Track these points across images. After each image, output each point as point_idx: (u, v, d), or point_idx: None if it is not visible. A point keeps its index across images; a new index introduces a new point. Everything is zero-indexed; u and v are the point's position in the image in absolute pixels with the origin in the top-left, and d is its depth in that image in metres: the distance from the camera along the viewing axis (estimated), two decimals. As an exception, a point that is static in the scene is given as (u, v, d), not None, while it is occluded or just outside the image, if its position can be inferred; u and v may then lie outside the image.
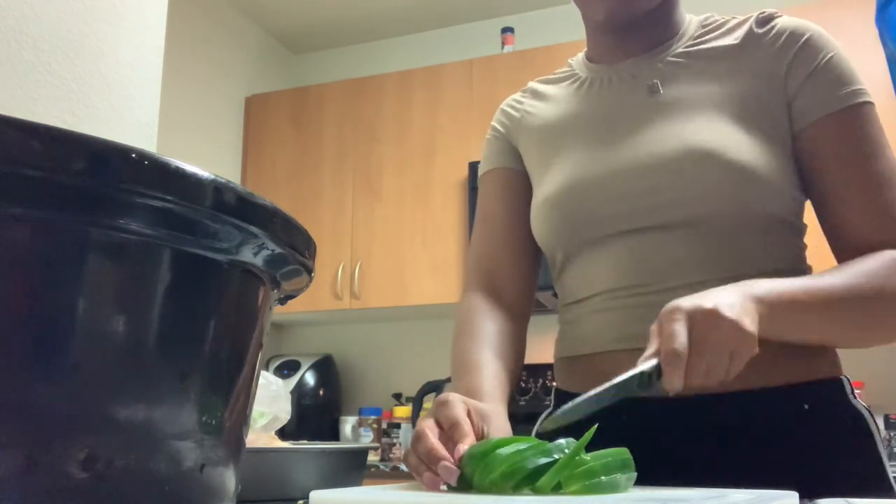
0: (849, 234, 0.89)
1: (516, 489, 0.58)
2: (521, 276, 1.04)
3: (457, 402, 0.74)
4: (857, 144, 0.88)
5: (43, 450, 0.32)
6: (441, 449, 0.66)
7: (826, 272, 0.83)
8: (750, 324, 0.71)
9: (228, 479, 0.43)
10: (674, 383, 0.68)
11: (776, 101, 0.91)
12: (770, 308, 0.75)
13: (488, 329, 0.97)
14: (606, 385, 0.67)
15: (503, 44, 3.48)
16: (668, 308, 0.72)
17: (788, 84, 0.91)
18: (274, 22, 3.80)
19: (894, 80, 0.90)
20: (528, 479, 0.58)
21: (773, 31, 0.94)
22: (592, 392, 0.67)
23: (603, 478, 0.57)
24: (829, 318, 0.81)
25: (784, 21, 0.95)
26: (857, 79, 0.91)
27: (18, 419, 0.32)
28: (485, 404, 0.79)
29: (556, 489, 0.57)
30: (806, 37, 0.92)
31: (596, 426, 0.61)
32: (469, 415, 0.74)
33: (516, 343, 0.99)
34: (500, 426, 0.77)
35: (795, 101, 0.90)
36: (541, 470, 0.58)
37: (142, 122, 1.41)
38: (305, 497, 0.60)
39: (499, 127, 1.10)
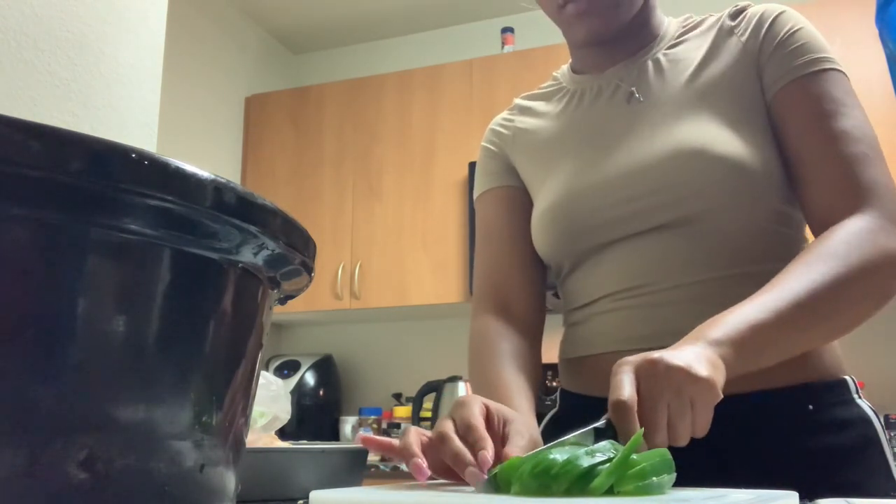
0: (813, 196, 0.87)
1: (567, 492, 0.57)
2: (530, 293, 1.03)
3: (474, 404, 0.72)
4: (818, 104, 0.87)
5: (43, 450, 0.32)
6: (467, 454, 0.65)
7: (788, 271, 0.80)
8: (703, 369, 0.66)
9: (228, 479, 0.43)
10: (628, 435, 0.63)
11: (754, 84, 0.92)
12: (733, 347, 0.71)
13: (505, 348, 0.96)
14: (562, 439, 0.65)
15: (503, 44, 3.48)
16: (616, 364, 0.69)
17: (759, 61, 0.92)
18: (274, 22, 3.80)
19: (894, 80, 0.90)
20: (580, 481, 0.57)
21: (745, 19, 0.96)
22: (549, 445, 0.64)
23: (654, 479, 0.57)
24: (804, 324, 0.77)
25: (755, 7, 0.97)
26: (824, 48, 0.91)
27: (18, 419, 0.32)
28: (512, 411, 0.77)
29: (608, 491, 0.57)
30: (775, 15, 0.93)
31: (642, 430, 0.61)
32: (489, 416, 0.73)
33: (532, 361, 0.98)
34: (523, 432, 0.74)
35: (763, 74, 0.92)
36: (590, 472, 0.57)
37: (142, 122, 1.41)
38: (305, 497, 0.60)
39: (491, 147, 1.09)
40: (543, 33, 3.46)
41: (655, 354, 0.67)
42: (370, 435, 0.76)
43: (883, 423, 0.91)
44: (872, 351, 2.81)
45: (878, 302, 0.82)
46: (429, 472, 0.65)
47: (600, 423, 0.66)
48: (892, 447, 0.89)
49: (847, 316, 0.81)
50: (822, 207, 0.86)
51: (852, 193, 0.83)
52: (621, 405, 0.64)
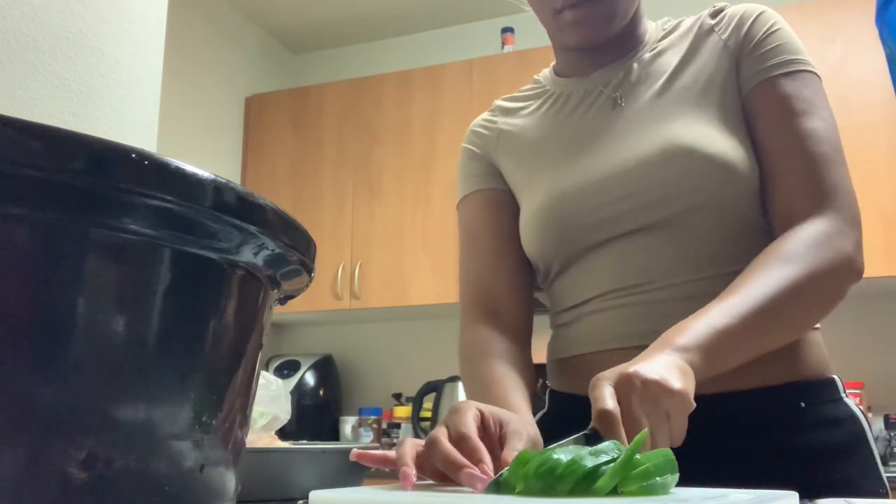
0: (777, 194, 0.88)
1: (572, 492, 0.57)
2: (518, 296, 1.01)
3: (467, 411, 0.71)
4: (787, 103, 0.89)
5: (43, 450, 0.32)
6: (457, 456, 0.64)
7: (748, 274, 0.81)
8: (676, 381, 0.68)
9: (228, 479, 0.43)
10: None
11: (735, 82, 0.93)
12: (700, 353, 0.73)
13: (496, 349, 0.95)
14: (557, 444, 0.64)
15: (503, 44, 3.48)
16: (593, 379, 0.70)
17: (738, 59, 0.93)
18: (274, 22, 3.80)
19: (894, 80, 0.90)
20: (584, 481, 0.57)
21: (726, 17, 0.97)
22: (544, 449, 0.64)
23: (658, 479, 0.57)
24: (765, 328, 0.79)
25: (734, 7, 0.98)
26: (799, 50, 0.92)
27: (18, 419, 0.32)
28: (508, 412, 0.77)
29: (612, 491, 0.57)
30: (756, 15, 0.95)
31: (646, 430, 0.61)
32: (484, 421, 0.72)
33: (525, 362, 0.96)
34: (521, 432, 0.73)
35: (740, 71, 0.93)
36: (594, 472, 0.57)
37: (142, 122, 1.41)
38: (305, 497, 0.60)
39: (474, 148, 1.08)
40: (543, 33, 3.46)
41: (630, 368, 0.68)
42: (363, 451, 0.73)
43: (871, 423, 0.92)
44: (872, 351, 2.81)
45: (833, 302, 0.85)
46: (414, 481, 0.65)
47: (588, 432, 0.67)
48: (892, 447, 0.90)
49: (805, 317, 0.84)
50: (784, 206, 0.87)
51: (814, 194, 0.85)
52: (607, 415, 0.65)
